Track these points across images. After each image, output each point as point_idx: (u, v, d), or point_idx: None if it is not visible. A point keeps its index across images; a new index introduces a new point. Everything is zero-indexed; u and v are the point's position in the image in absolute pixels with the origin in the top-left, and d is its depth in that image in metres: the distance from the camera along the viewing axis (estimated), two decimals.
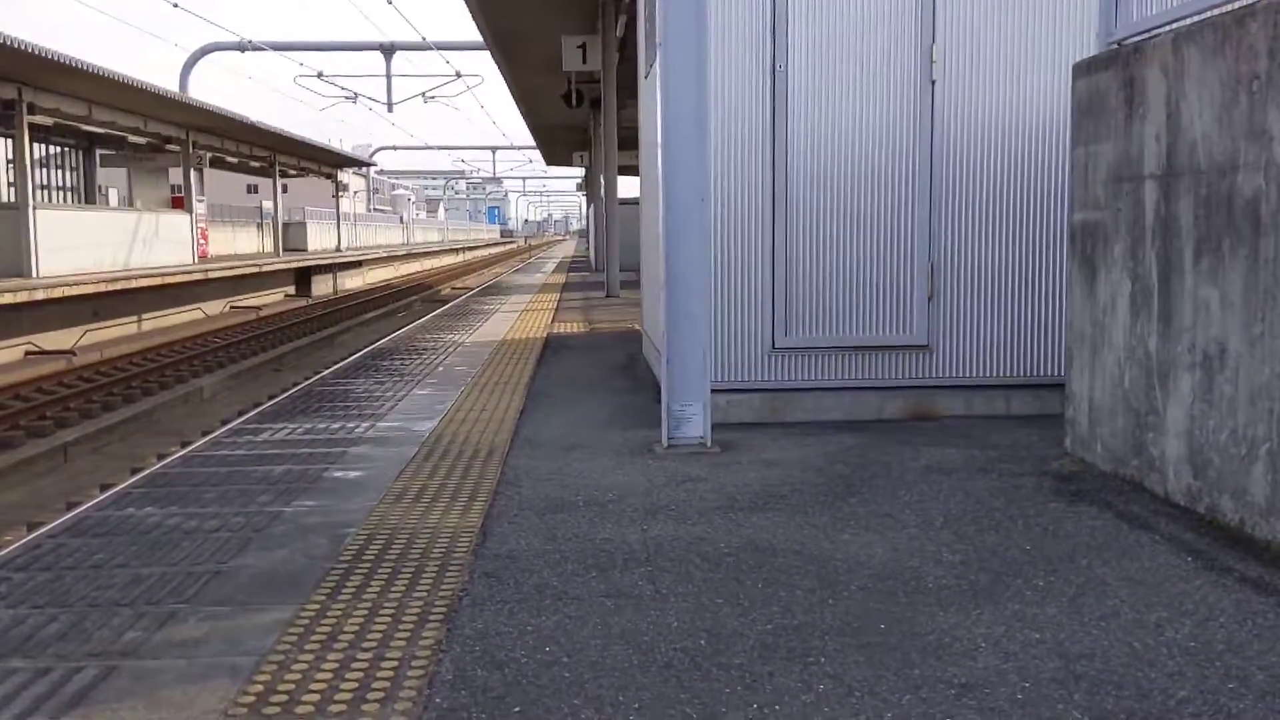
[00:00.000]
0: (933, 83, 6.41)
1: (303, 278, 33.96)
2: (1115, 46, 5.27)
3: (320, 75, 32.04)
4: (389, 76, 31.01)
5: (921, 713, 2.75)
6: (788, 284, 6.49)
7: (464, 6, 19.35)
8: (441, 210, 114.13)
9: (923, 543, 4.17)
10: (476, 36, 24.49)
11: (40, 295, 18.54)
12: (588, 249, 38.88)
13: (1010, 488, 5.00)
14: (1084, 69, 5.46)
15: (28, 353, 18.74)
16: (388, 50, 30.12)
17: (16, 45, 16.76)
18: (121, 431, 13.96)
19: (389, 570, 3.89)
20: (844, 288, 6.52)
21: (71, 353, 19.13)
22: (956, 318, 6.59)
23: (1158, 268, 4.80)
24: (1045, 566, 3.88)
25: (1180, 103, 4.58)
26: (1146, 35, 5.01)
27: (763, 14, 6.31)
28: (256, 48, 28.69)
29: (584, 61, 17.55)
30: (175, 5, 23.98)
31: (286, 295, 33.01)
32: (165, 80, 24.12)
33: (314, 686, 2.93)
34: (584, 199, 52.31)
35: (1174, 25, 4.77)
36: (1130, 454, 5.03)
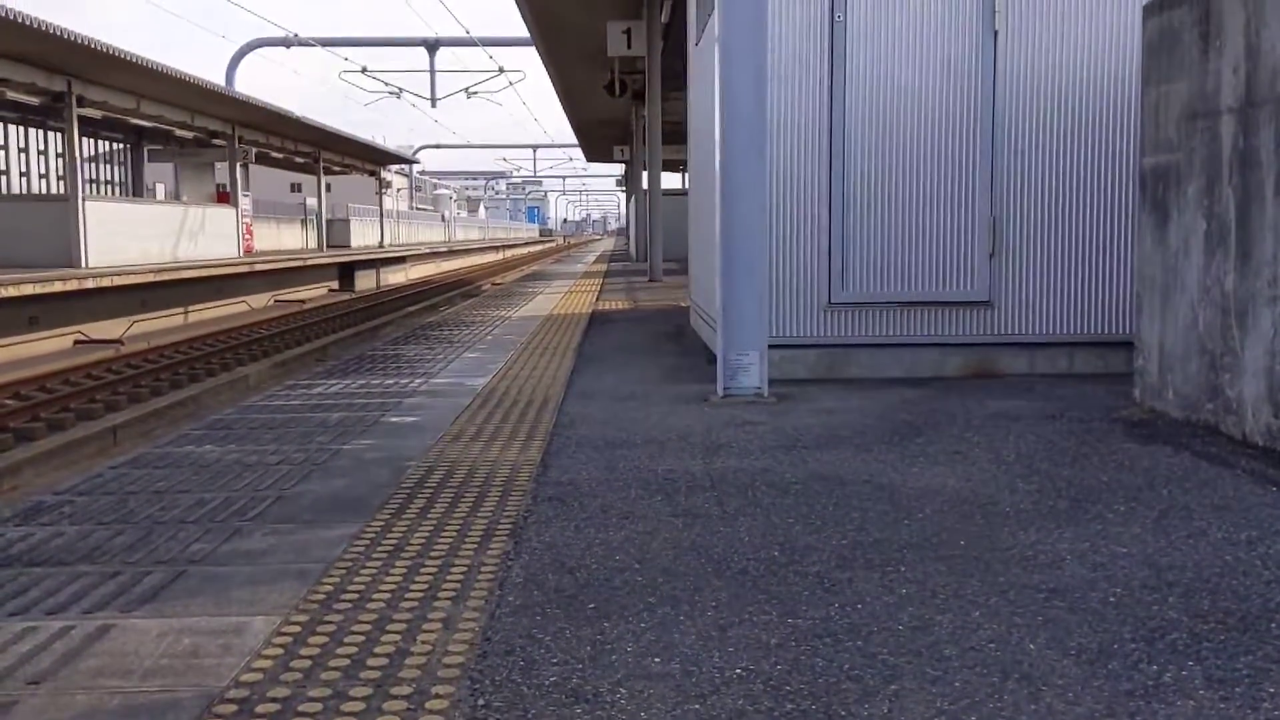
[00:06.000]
0: (995, 32, 6.28)
1: (346, 273, 34.17)
2: None
3: (365, 70, 32.25)
4: (433, 72, 31.14)
5: (1010, 612, 2.66)
6: (844, 238, 6.39)
7: None
8: (482, 209, 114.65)
9: (995, 475, 4.07)
10: (519, 31, 24.57)
11: (90, 285, 18.75)
12: (627, 243, 38.86)
13: (1081, 431, 4.87)
14: (1155, 8, 5.33)
15: (76, 341, 18.95)
16: (432, 46, 30.23)
17: (66, 36, 16.96)
18: (169, 416, 14.07)
19: (452, 495, 3.84)
20: (902, 242, 6.41)
21: (119, 341, 19.33)
22: (1019, 273, 6.46)
23: (1235, 204, 4.66)
24: (1125, 495, 3.76)
25: (1261, 30, 4.45)
26: None
27: None
28: (303, 43, 28.92)
29: (629, 47, 17.48)
30: None
31: (330, 290, 33.21)
32: (211, 74, 24.42)
33: (384, 587, 2.88)
34: (623, 196, 52.28)
35: None
36: (1204, 398, 4.89)
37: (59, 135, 24.67)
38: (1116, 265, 6.48)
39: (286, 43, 29.46)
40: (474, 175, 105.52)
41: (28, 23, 15.78)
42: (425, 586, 2.88)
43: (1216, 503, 3.65)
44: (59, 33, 16.70)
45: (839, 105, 6.32)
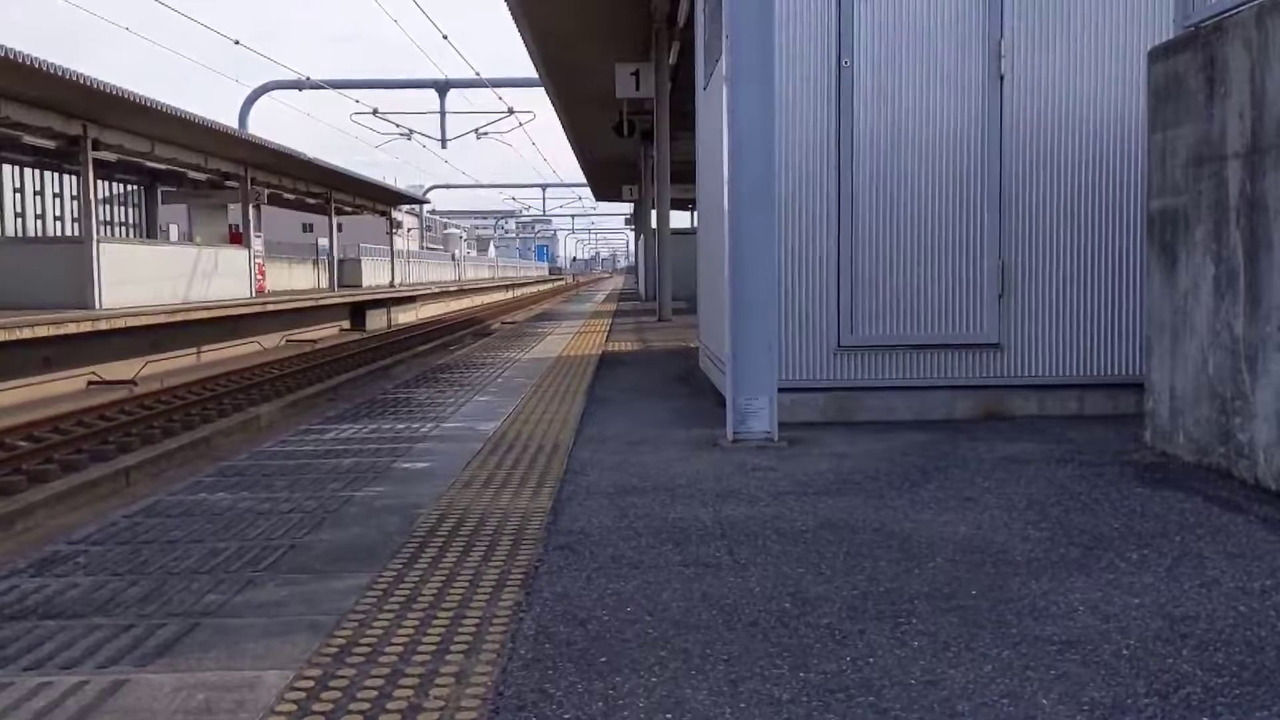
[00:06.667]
0: (1001, 77, 6.34)
1: (357, 312, 34.33)
2: (1192, 29, 5.19)
3: (376, 112, 32.57)
4: (443, 113, 31.45)
5: (1023, 666, 2.65)
6: (853, 281, 6.42)
7: (518, 41, 19.62)
8: (492, 248, 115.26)
9: (1006, 521, 4.06)
10: (529, 73, 24.81)
11: (103, 326, 18.87)
12: (636, 282, 38.98)
13: (1091, 475, 4.86)
14: (1160, 54, 5.38)
15: (90, 382, 19.04)
16: (442, 87, 30.56)
17: (82, 82, 17.18)
18: (181, 457, 14.11)
19: (463, 544, 3.85)
20: (911, 285, 6.43)
21: (133, 382, 19.42)
22: (1028, 315, 6.47)
23: (1243, 248, 4.67)
24: (1137, 542, 3.76)
25: (1266, 77, 4.48)
26: (1226, 14, 4.92)
27: (828, 9, 6.29)
28: (315, 86, 29.24)
29: (637, 88, 17.67)
30: (236, 43, 24.53)
31: (341, 329, 33.35)
32: (225, 116, 24.79)
33: (397, 639, 2.89)
34: (632, 234, 52.56)
35: (1256, 1, 4.69)
36: (1216, 442, 4.88)
37: (74, 178, 24.94)
38: (1126, 307, 6.49)
39: (299, 85, 29.79)
40: (484, 214, 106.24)
41: (45, 68, 16.00)
42: (438, 639, 2.89)
43: (1230, 550, 3.64)
44: (75, 78, 16.91)
45: (846, 149, 6.37)
